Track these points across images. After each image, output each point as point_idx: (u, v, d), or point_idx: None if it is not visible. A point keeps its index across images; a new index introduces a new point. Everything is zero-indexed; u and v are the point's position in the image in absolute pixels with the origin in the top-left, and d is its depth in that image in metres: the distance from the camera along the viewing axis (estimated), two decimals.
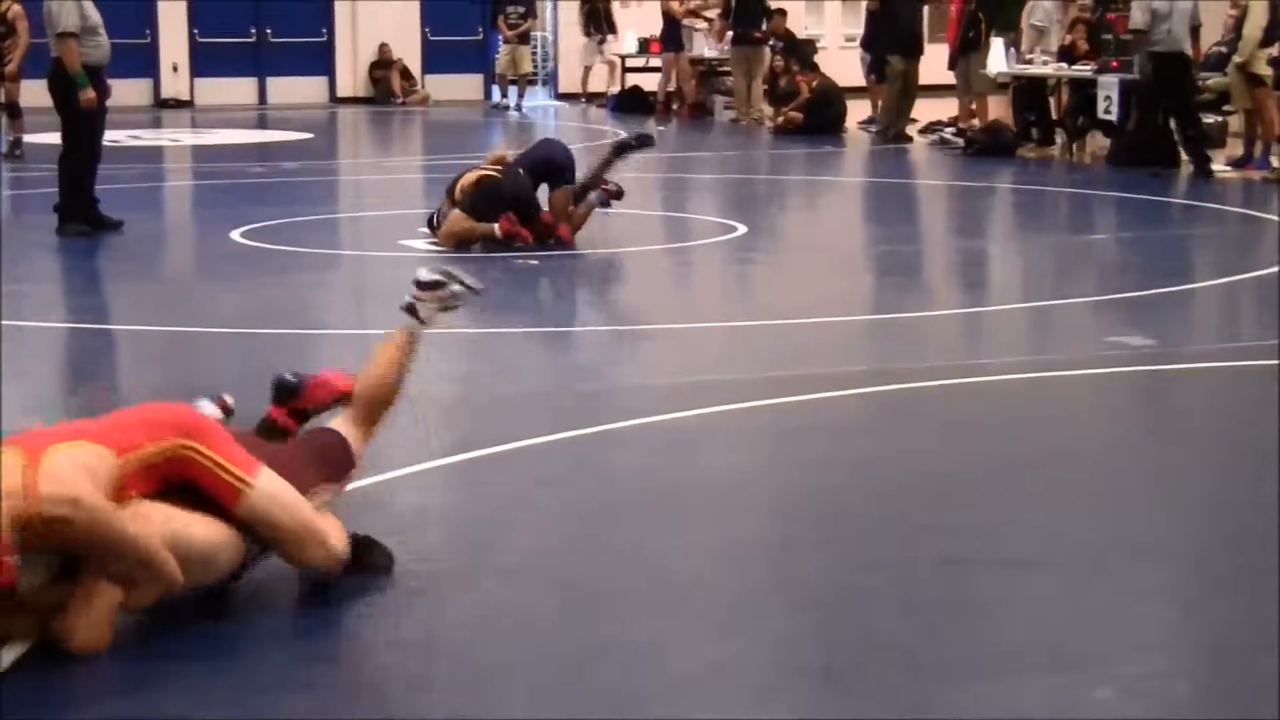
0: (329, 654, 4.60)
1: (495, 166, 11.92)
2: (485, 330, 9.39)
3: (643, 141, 12.46)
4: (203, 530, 4.56)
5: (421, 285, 5.42)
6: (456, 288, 5.41)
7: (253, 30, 27.72)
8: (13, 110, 17.90)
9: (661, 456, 6.52)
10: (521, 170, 11.88)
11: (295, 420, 5.24)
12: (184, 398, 7.18)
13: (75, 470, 4.30)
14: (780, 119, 22.01)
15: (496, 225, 11.56)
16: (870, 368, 7.99)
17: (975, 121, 19.66)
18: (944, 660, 4.46)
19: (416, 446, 6.23)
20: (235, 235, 12.41)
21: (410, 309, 5.39)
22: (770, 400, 7.24)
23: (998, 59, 19.33)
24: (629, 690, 4.28)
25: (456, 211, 11.65)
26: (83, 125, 12.13)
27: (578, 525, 5.65)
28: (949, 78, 20.51)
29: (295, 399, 5.24)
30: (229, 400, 5.43)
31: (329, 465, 4.97)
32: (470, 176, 11.81)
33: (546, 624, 4.82)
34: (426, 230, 12.00)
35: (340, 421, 5.17)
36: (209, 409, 5.33)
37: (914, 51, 20.32)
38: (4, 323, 9.39)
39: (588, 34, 26.77)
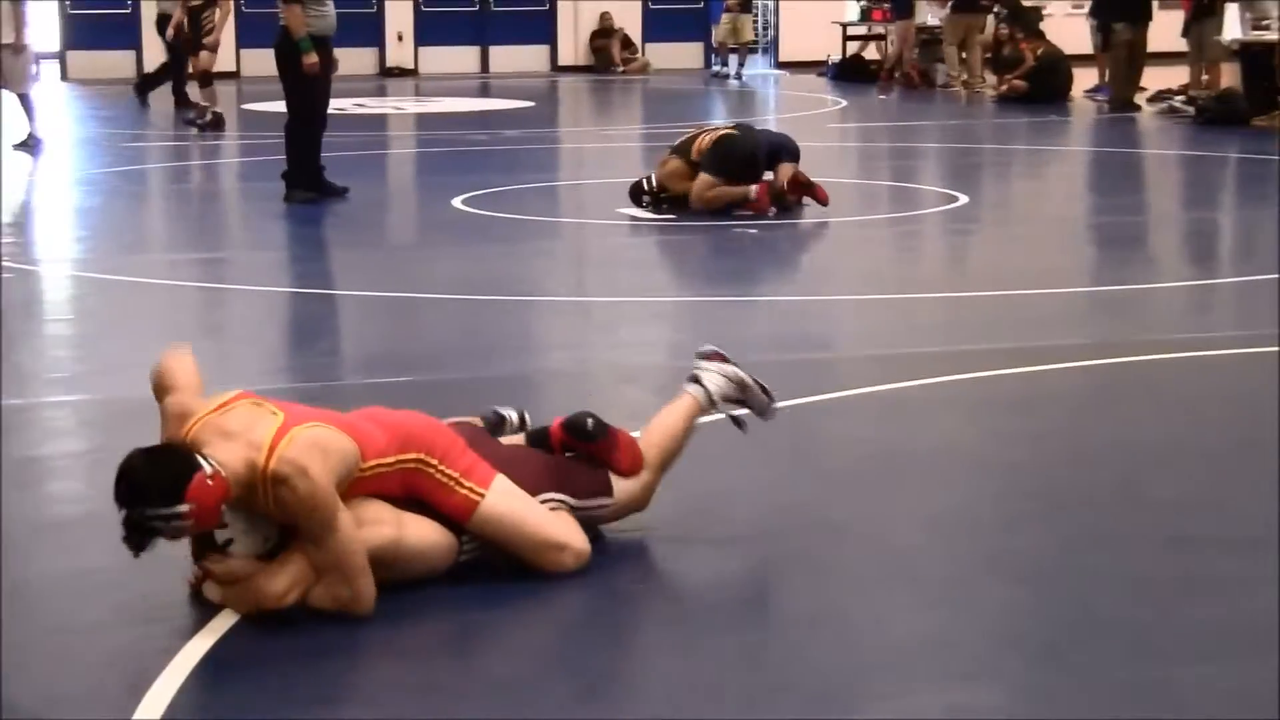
0: (534, 618, 4.63)
1: (730, 125, 11.91)
2: (704, 298, 9.40)
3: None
4: (419, 533, 4.63)
5: (702, 355, 5.36)
6: (744, 376, 5.32)
7: None
8: (205, 79, 18.24)
9: (879, 427, 6.46)
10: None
11: (564, 448, 5.08)
12: (405, 363, 7.33)
13: (315, 446, 4.40)
14: (1004, 87, 21.69)
15: (753, 188, 11.52)
16: (1093, 340, 7.84)
17: (1207, 90, 19.15)
18: (1165, 639, 4.36)
19: (630, 414, 6.24)
20: (457, 202, 12.55)
21: (695, 379, 5.29)
22: (990, 372, 7.14)
23: (1234, 25, 18.81)
24: (842, 661, 4.26)
25: (705, 176, 11.64)
26: (308, 93, 12.33)
27: (794, 494, 5.63)
28: (1179, 44, 20.03)
29: (581, 444, 5.03)
30: (526, 416, 5.42)
31: (573, 479, 4.92)
32: (707, 137, 11.80)
33: (760, 593, 4.81)
34: (634, 202, 11.96)
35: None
36: (509, 414, 5.36)
37: (1142, 18, 19.84)
38: (234, 287, 9.63)
39: None
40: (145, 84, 21.08)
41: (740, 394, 5.32)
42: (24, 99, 16.02)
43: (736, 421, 5.36)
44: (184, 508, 4.26)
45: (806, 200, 11.89)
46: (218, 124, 18.12)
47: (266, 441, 4.39)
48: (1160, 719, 3.92)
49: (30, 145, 16.01)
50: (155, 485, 4.26)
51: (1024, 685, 4.13)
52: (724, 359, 5.36)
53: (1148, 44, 19.99)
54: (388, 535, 4.56)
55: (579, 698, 4.08)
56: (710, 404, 5.28)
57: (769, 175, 11.79)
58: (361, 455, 4.54)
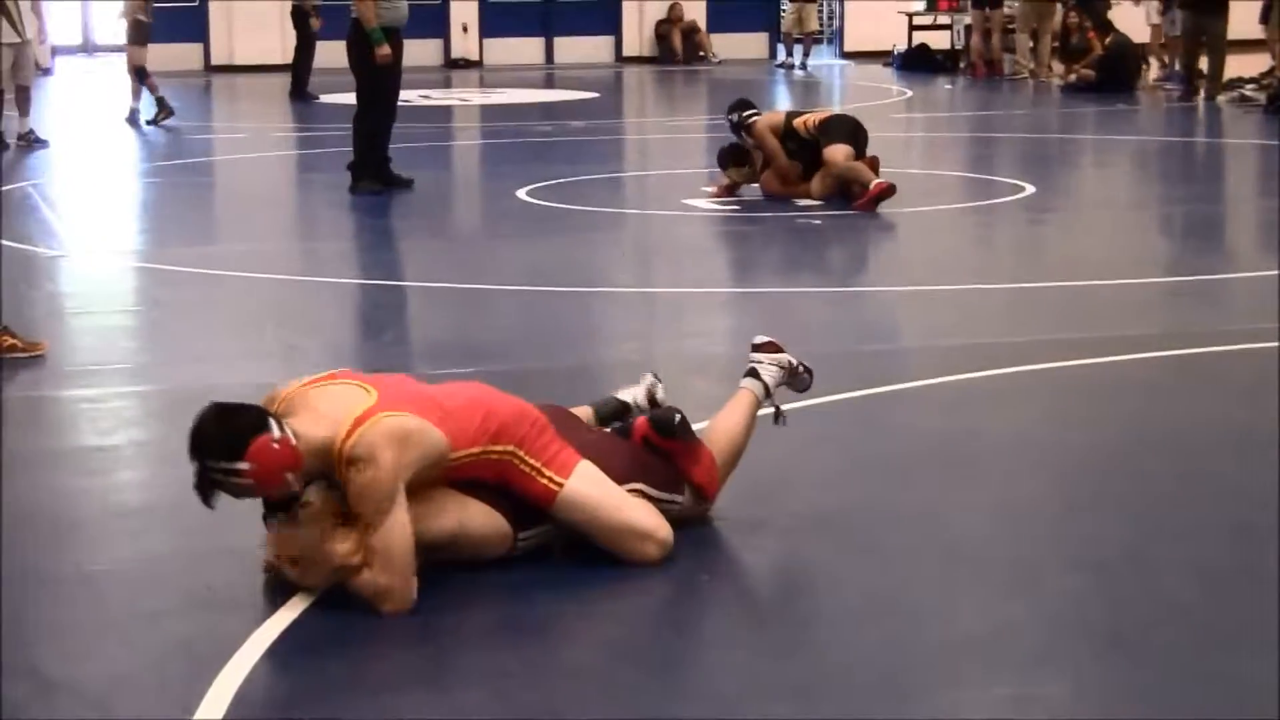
0: (599, 608, 4.63)
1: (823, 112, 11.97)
2: (770, 290, 9.38)
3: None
4: (478, 524, 4.65)
5: (757, 347, 5.39)
6: (792, 361, 5.37)
7: None
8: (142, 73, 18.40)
9: (947, 417, 6.43)
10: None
11: (645, 443, 5.00)
12: (471, 354, 7.34)
13: (394, 436, 4.40)
14: (1071, 76, 21.57)
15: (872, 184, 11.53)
16: (1161, 331, 7.78)
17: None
18: (1234, 629, 4.33)
19: (696, 405, 6.24)
20: (521, 194, 12.56)
21: (753, 373, 5.31)
22: (1058, 363, 7.09)
23: None
24: (905, 652, 4.24)
25: (843, 146, 11.62)
26: (379, 84, 12.38)
27: (859, 484, 5.61)
28: (1255, 32, 19.82)
29: (664, 439, 4.95)
30: (658, 393, 5.45)
31: (653, 470, 4.90)
32: (812, 118, 11.84)
33: (825, 582, 4.80)
34: (720, 167, 12.10)
35: None
36: (640, 394, 5.40)
37: (1206, 8, 19.48)
38: (300, 278, 9.67)
39: None
40: (298, 82, 21.19)
41: (788, 379, 5.36)
42: (26, 92, 15.71)
43: (778, 413, 5.37)
44: (243, 465, 4.30)
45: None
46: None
47: (350, 420, 4.41)
48: (1226, 709, 3.88)
49: (30, 142, 15.69)
50: (218, 440, 4.33)
51: (1090, 675, 4.10)
52: (778, 348, 5.39)
53: (1226, 34, 19.66)
54: (449, 525, 4.58)
55: (644, 686, 4.08)
56: (768, 396, 5.30)
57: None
58: (453, 446, 4.55)
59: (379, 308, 9.11)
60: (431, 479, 4.57)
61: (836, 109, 12.21)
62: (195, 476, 4.40)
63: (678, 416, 4.97)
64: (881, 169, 11.77)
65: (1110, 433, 6.19)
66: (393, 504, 4.40)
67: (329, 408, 4.47)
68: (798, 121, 11.88)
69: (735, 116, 12.08)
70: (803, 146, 11.82)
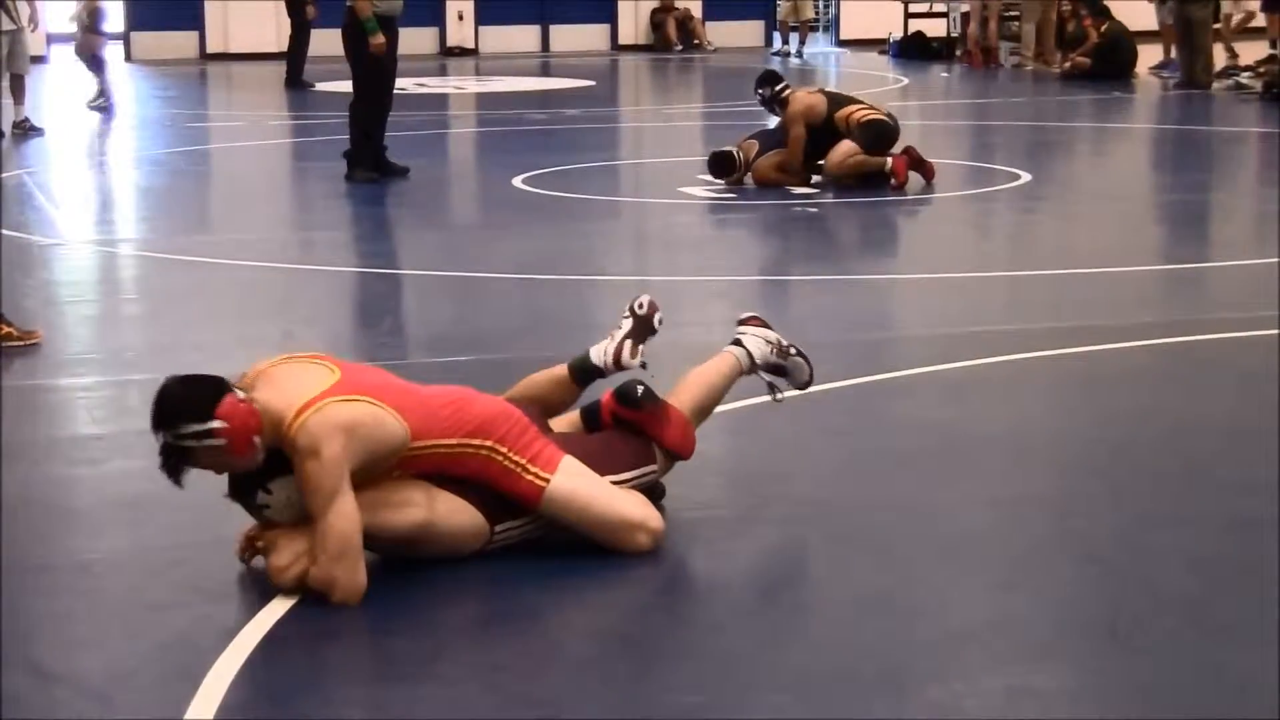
0: (595, 598, 4.63)
1: (884, 113, 11.96)
2: (765, 277, 9.37)
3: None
4: (449, 518, 4.62)
5: (742, 321, 5.36)
6: (784, 342, 5.31)
7: None
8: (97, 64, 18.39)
9: (944, 407, 6.43)
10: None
11: (613, 418, 5.03)
12: (467, 342, 7.34)
13: (340, 427, 4.39)
14: (1068, 64, 21.57)
15: (889, 160, 11.67)
16: (1158, 319, 7.78)
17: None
18: (1234, 621, 4.33)
19: None
20: (517, 182, 12.55)
21: (736, 342, 5.29)
22: (1055, 351, 7.10)
23: None
24: (903, 643, 4.24)
25: (851, 145, 11.72)
26: (375, 73, 12.36)
27: (857, 475, 5.61)
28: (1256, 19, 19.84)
29: (629, 411, 4.97)
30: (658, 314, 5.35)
31: (619, 456, 4.90)
32: (861, 113, 11.85)
33: (822, 574, 4.80)
34: (715, 173, 12.05)
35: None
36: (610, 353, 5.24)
37: None
38: (297, 267, 9.66)
39: None
40: (293, 70, 21.10)
41: (781, 360, 5.30)
42: (21, 80, 15.65)
43: (772, 390, 5.32)
44: (215, 424, 4.34)
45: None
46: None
47: (302, 400, 4.42)
48: (1224, 702, 3.89)
49: (26, 130, 15.65)
50: (186, 403, 4.38)
51: (1088, 666, 4.11)
52: (763, 323, 5.34)
53: (1214, 22, 19.73)
54: (415, 519, 4.57)
55: (640, 677, 4.08)
56: (751, 366, 5.25)
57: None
58: (416, 434, 4.54)
59: (375, 296, 9.10)
60: (401, 470, 4.57)
61: (880, 109, 12.03)
62: (161, 452, 4.43)
63: (640, 388, 4.96)
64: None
65: (1109, 422, 6.19)
66: (335, 494, 4.38)
67: (288, 383, 4.49)
68: (840, 115, 11.83)
69: (767, 91, 12.05)
70: (831, 134, 11.84)
